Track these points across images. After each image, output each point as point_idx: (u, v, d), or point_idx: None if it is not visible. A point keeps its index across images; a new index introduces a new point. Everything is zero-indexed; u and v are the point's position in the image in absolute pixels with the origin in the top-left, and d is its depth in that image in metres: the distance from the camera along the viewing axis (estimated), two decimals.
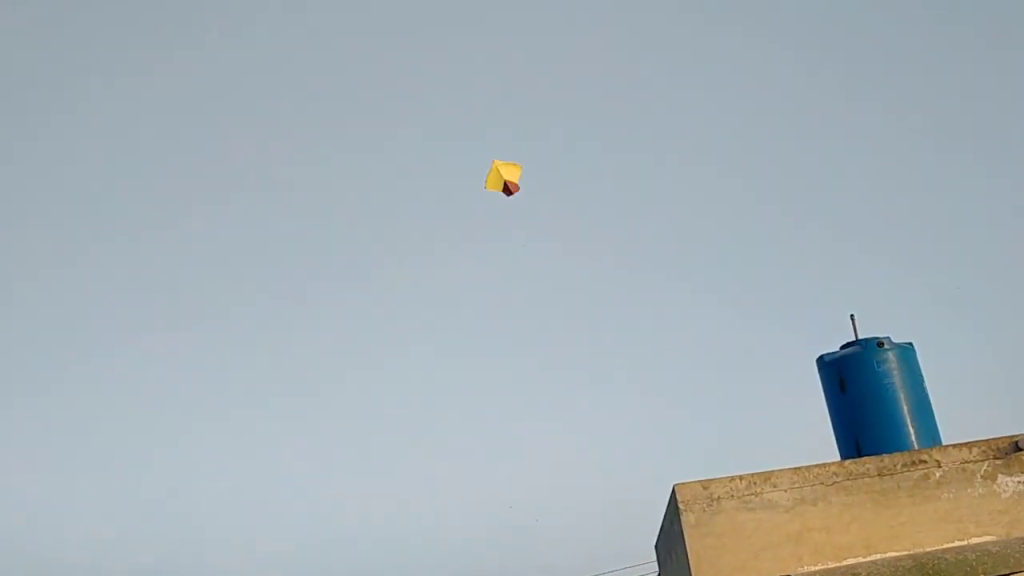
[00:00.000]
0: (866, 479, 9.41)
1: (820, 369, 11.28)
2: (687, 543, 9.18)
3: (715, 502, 9.26)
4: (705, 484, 9.34)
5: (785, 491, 9.31)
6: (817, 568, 8.99)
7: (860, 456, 10.26)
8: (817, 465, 9.47)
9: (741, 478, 9.34)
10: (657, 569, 14.27)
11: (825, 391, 11.25)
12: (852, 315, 11.27)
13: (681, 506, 9.28)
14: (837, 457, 10.98)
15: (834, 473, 9.41)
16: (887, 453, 9.66)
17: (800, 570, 8.94)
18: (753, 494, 9.29)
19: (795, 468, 9.43)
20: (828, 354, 11.21)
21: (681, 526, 9.25)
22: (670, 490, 9.66)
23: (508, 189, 13.65)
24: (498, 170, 13.68)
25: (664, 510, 10.67)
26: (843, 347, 11.12)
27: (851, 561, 9.08)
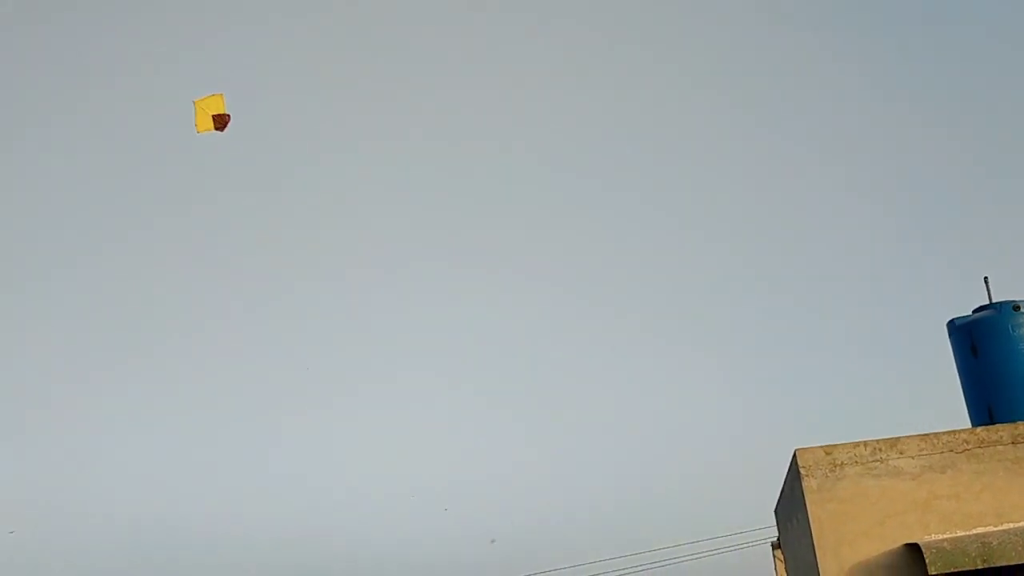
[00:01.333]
0: (999, 447, 9.12)
1: (951, 334, 10.91)
2: (808, 508, 9.08)
3: (838, 468, 9.12)
4: (828, 449, 9.20)
5: (912, 458, 9.10)
6: (945, 536, 8.79)
7: (993, 423, 9.93)
8: (946, 432, 9.22)
9: (866, 444, 9.17)
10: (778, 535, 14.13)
11: (956, 357, 10.89)
12: (986, 278, 10.84)
13: (802, 471, 9.17)
14: (967, 424, 10.65)
15: (965, 440, 9.15)
16: (1022, 420, 9.34)
17: (927, 538, 8.75)
18: (878, 460, 9.11)
19: (923, 435, 9.21)
20: (959, 318, 10.83)
21: (802, 491, 9.15)
22: (791, 455, 9.56)
23: (220, 122, 12.77)
24: (203, 109, 12.84)
25: (784, 475, 10.57)
26: (976, 311, 10.73)
27: (981, 530, 8.83)
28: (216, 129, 12.64)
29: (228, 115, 12.71)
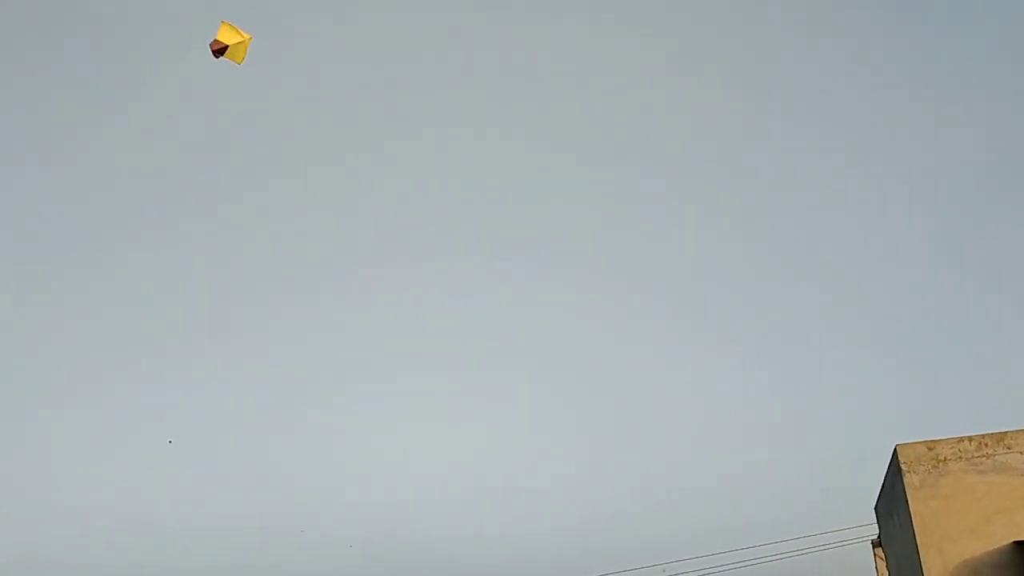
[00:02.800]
0: None
1: None
2: (910, 505, 8.87)
3: (941, 463, 8.88)
4: (930, 445, 8.97)
5: (1021, 453, 8.81)
6: None
7: None
8: None
9: (970, 439, 8.91)
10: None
11: None
12: None
13: (904, 467, 8.96)
14: None
15: None
16: None
17: None
18: (984, 456, 8.84)
19: None
20: None
21: (904, 487, 8.95)
22: (892, 451, 9.34)
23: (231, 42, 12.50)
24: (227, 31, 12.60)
25: (885, 471, 10.33)
26: None
27: None
28: (220, 49, 12.61)
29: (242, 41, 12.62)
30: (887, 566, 14.87)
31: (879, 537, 15.45)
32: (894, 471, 9.46)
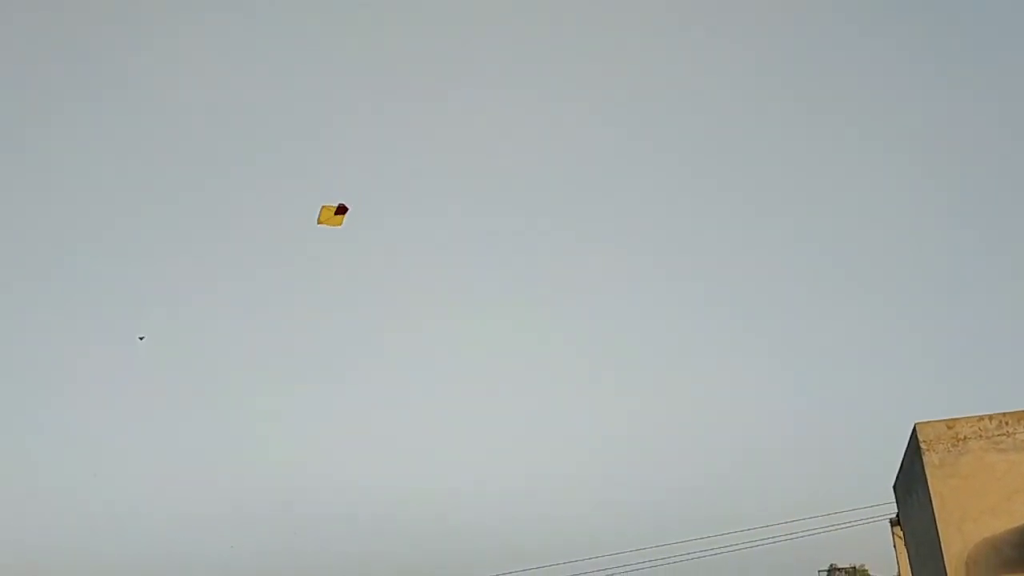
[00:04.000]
0: None
1: None
2: (930, 484, 8.81)
3: (961, 442, 8.81)
4: (950, 423, 8.90)
5: None
6: None
7: None
8: None
9: (991, 417, 8.82)
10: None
11: None
12: None
13: (923, 445, 8.90)
14: None
15: None
16: None
17: None
18: (1005, 434, 8.76)
19: None
20: None
21: (923, 466, 8.88)
22: (911, 429, 9.27)
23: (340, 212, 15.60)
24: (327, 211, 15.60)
25: (904, 450, 10.26)
26: None
27: None
28: (336, 216, 15.66)
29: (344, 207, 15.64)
30: (906, 545, 14.80)
31: (897, 516, 15.37)
32: (913, 450, 9.39)
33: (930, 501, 8.85)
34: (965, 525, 8.61)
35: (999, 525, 8.56)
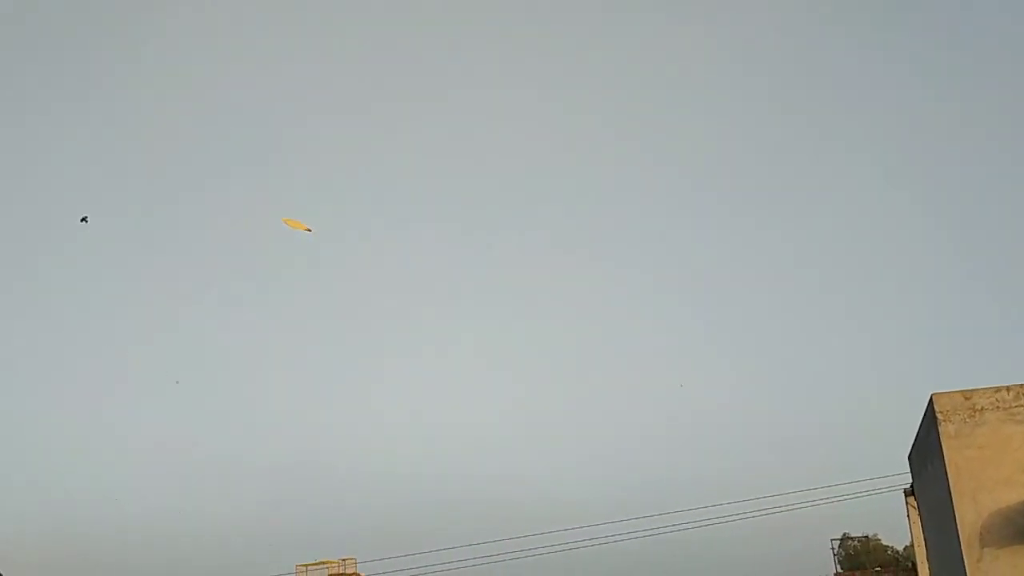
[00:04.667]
0: None
1: None
2: (945, 454, 8.80)
3: (978, 413, 8.78)
4: (967, 394, 8.86)
5: None
6: None
7: None
8: None
9: (1008, 389, 8.78)
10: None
11: None
12: None
13: (939, 416, 8.87)
14: None
15: None
16: None
17: None
18: (1022, 406, 8.72)
19: None
20: None
21: (939, 436, 8.86)
22: (927, 399, 9.24)
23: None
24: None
25: (920, 420, 10.24)
26: None
27: None
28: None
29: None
30: (920, 515, 14.80)
31: (912, 486, 15.36)
32: (929, 420, 9.37)
33: (945, 471, 8.84)
34: (980, 495, 8.61)
35: (1013, 496, 8.56)
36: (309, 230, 17.80)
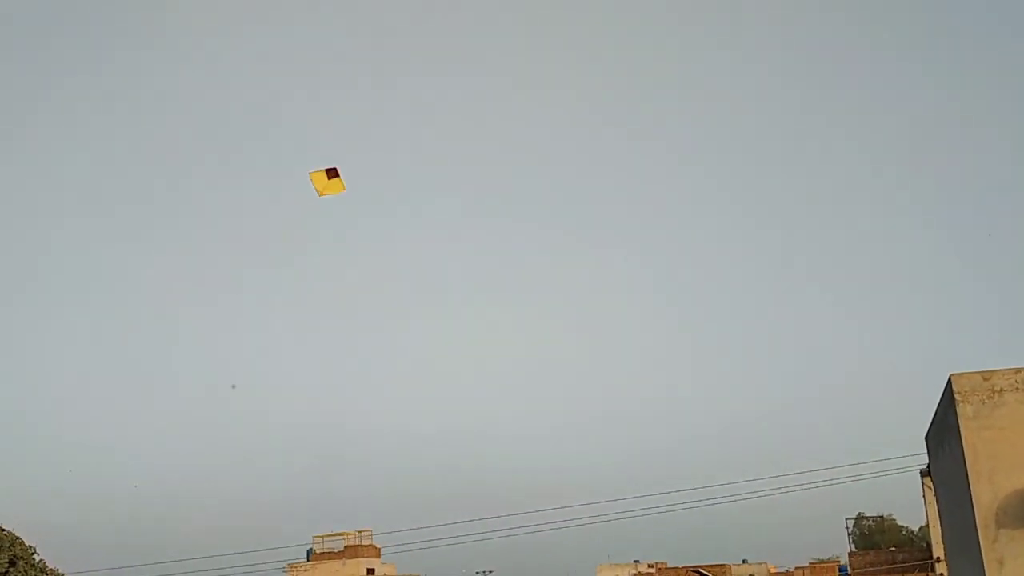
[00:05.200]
0: None
1: None
2: (963, 435, 8.77)
3: (996, 394, 8.74)
4: (986, 375, 8.82)
5: None
6: None
7: None
8: None
9: None
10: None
11: None
12: None
13: (957, 396, 8.84)
14: None
15: None
16: None
17: None
18: None
19: None
20: None
21: (957, 417, 8.83)
22: (945, 380, 9.21)
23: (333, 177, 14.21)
24: (318, 179, 14.30)
25: (937, 401, 10.20)
26: None
27: None
28: (333, 181, 14.83)
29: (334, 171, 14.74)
30: (935, 496, 14.77)
31: (928, 467, 15.33)
32: (947, 401, 9.33)
33: (962, 452, 8.80)
34: (996, 477, 8.57)
35: None
36: (343, 190, 15.06)
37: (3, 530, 40.79)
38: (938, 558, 37.17)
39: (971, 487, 8.61)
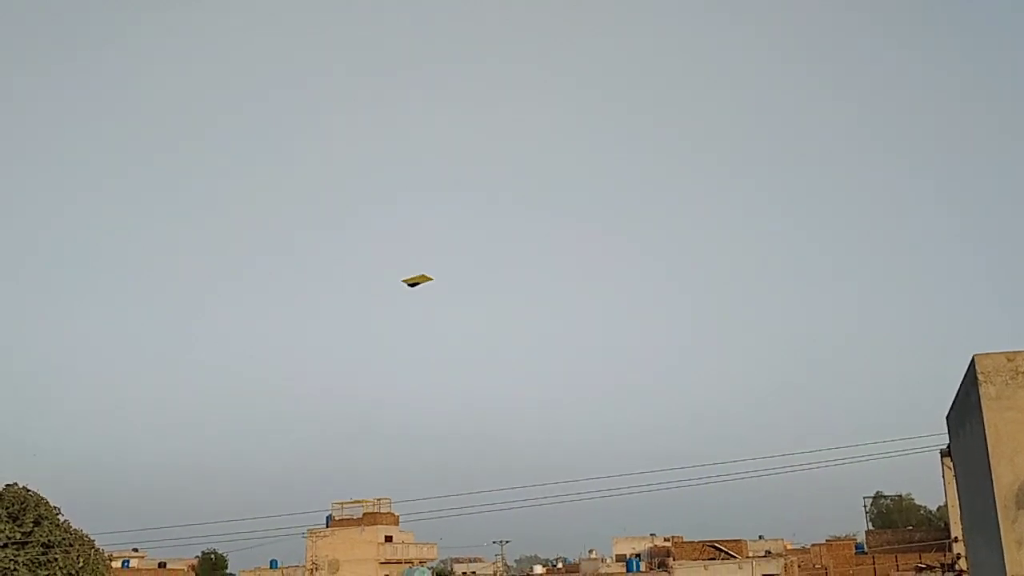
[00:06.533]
0: None
1: None
2: (985, 415, 8.74)
3: (1020, 375, 8.69)
4: (1010, 356, 8.77)
5: None
6: None
7: None
8: None
9: None
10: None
11: None
12: None
13: (980, 377, 8.80)
14: None
15: None
16: None
17: None
18: None
19: None
20: None
21: (979, 397, 8.80)
22: (969, 360, 9.16)
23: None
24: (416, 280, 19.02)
25: (960, 381, 10.16)
26: None
27: None
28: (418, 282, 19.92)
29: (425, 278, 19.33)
30: (955, 476, 14.74)
31: (948, 447, 15.29)
32: (970, 381, 9.29)
33: (984, 433, 8.78)
34: (1018, 458, 8.56)
35: None
36: (430, 279, 19.11)
37: (28, 491, 41.52)
38: (956, 538, 37.15)
39: (992, 467, 8.60)
